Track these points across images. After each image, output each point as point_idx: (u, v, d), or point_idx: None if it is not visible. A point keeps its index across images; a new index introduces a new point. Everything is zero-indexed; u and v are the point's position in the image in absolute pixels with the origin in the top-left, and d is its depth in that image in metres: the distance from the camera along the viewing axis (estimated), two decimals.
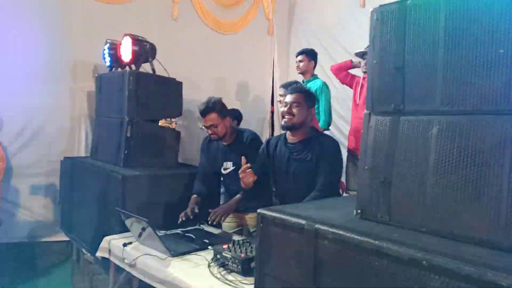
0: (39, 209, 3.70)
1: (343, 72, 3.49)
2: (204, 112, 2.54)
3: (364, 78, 3.26)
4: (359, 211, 1.36)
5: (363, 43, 3.39)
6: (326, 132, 3.32)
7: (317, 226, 1.28)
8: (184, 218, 2.38)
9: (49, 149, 3.66)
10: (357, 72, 3.51)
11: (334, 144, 2.22)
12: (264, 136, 4.92)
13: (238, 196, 2.47)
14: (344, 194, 3.06)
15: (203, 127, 2.60)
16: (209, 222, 2.30)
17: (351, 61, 3.49)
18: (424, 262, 1.01)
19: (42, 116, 3.63)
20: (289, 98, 2.20)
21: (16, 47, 3.42)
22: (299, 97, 2.18)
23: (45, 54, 3.54)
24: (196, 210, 2.43)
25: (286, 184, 2.29)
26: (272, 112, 4.98)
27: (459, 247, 1.07)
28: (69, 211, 3.36)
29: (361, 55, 3.18)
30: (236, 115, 4.01)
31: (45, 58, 3.54)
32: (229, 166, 2.64)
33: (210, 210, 2.48)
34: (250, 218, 2.64)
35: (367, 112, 1.37)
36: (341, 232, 1.21)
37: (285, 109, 2.18)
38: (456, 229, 1.13)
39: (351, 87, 3.44)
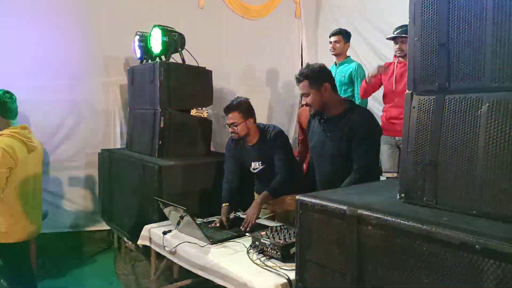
0: (80, 200, 3.85)
1: (368, 89, 3.26)
2: (227, 110, 2.54)
3: (397, 63, 3.12)
4: (402, 194, 1.32)
5: (396, 22, 3.25)
6: None
7: (359, 211, 1.25)
8: (218, 225, 2.37)
9: (86, 142, 3.78)
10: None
11: (365, 120, 2.08)
12: (294, 121, 4.88)
13: (263, 193, 2.45)
14: (381, 178, 2.99)
15: (226, 125, 2.60)
16: (242, 230, 2.26)
17: (364, 81, 3.26)
18: (477, 246, 0.97)
19: (78, 111, 3.74)
20: (300, 89, 2.16)
21: (50, 45, 3.52)
22: (304, 86, 2.10)
23: (78, 50, 3.63)
24: (225, 222, 2.38)
25: (322, 163, 2.23)
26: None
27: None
28: (108, 201, 3.48)
29: (393, 38, 3.05)
30: None
31: (78, 55, 3.63)
32: (257, 166, 2.62)
33: (240, 214, 2.49)
34: (284, 203, 2.62)
35: (408, 92, 1.31)
36: (385, 217, 1.18)
37: (303, 102, 2.17)
38: (509, 211, 1.07)
39: (381, 84, 3.27)
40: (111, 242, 3.86)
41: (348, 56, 3.54)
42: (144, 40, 3.23)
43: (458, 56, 1.18)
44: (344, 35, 3.45)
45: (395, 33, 3.00)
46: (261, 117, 4.59)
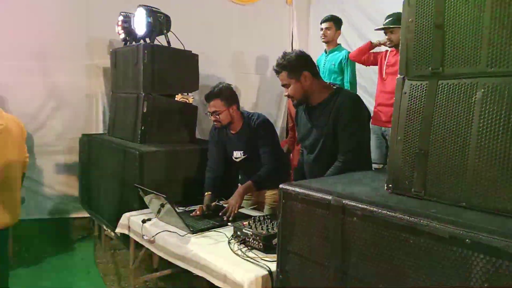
0: (61, 186, 3.73)
1: (365, 54, 3.26)
2: (208, 97, 2.41)
3: (391, 52, 3.07)
4: (390, 185, 1.26)
5: (388, 10, 3.18)
6: None
7: (344, 201, 1.19)
8: (199, 213, 2.29)
9: (67, 127, 3.65)
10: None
11: (350, 103, 1.93)
12: (282, 110, 4.80)
13: (247, 183, 2.37)
14: None
15: (207, 113, 2.49)
16: (224, 219, 2.18)
17: (370, 42, 3.26)
18: (467, 240, 0.92)
19: (59, 94, 3.60)
20: (280, 80, 2.02)
21: (31, 25, 3.36)
22: (283, 77, 1.97)
23: (60, 31, 3.48)
24: (210, 209, 2.32)
25: (309, 153, 2.09)
26: None
27: (505, 222, 0.97)
28: (88, 188, 3.37)
29: (382, 29, 2.99)
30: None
31: (60, 36, 3.48)
32: (239, 155, 2.51)
33: (223, 203, 2.42)
34: (268, 196, 2.54)
35: (400, 77, 1.24)
36: (371, 207, 1.12)
37: (284, 93, 2.04)
38: (502, 203, 1.02)
39: (376, 64, 3.24)
40: (91, 230, 3.76)
41: (339, 44, 3.47)
42: (128, 21, 3.09)
43: (454, 39, 1.11)
44: (335, 22, 3.37)
45: (384, 22, 2.94)
46: (249, 105, 4.52)
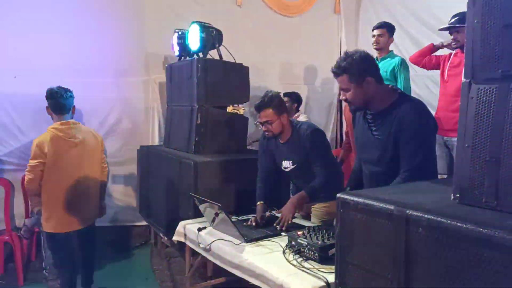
0: (120, 196, 3.94)
1: (426, 56, 3.13)
2: (259, 107, 2.37)
3: (454, 54, 2.93)
4: (457, 195, 1.19)
5: (442, 14, 3.05)
6: None
7: (408, 211, 1.14)
8: (254, 224, 2.30)
9: (127, 139, 3.87)
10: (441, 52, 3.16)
11: (416, 113, 1.74)
12: (332, 120, 4.74)
13: (300, 193, 2.34)
14: None
15: (257, 123, 2.46)
16: (278, 229, 2.18)
17: (433, 44, 3.14)
18: None
19: (119, 108, 3.83)
20: (338, 83, 1.86)
21: (94, 42, 3.63)
22: (342, 80, 1.80)
23: (120, 48, 3.72)
24: (264, 219, 2.32)
25: (368, 164, 1.95)
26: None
27: None
28: (146, 197, 3.53)
29: (447, 29, 2.85)
30: (296, 98, 3.87)
31: (120, 53, 3.73)
32: (288, 165, 2.48)
33: (274, 212, 2.41)
34: (316, 209, 2.48)
35: (466, 81, 1.18)
36: (439, 218, 1.06)
37: (342, 97, 1.90)
38: None
39: (438, 68, 3.09)
40: (148, 237, 3.92)
41: (391, 51, 3.38)
42: (182, 37, 3.24)
43: None
44: (388, 29, 3.29)
45: (450, 21, 2.81)
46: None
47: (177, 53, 3.39)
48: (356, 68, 1.76)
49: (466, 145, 1.17)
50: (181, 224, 2.43)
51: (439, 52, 3.17)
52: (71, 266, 2.71)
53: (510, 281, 0.91)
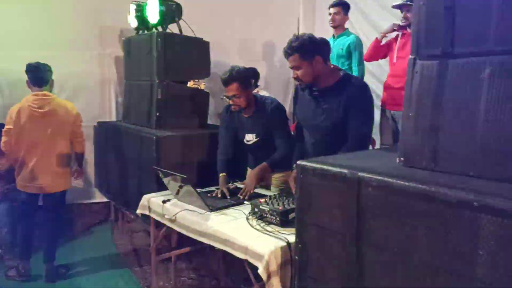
0: None
1: (377, 50, 3.27)
2: (226, 82, 2.41)
3: (402, 34, 3.11)
4: (402, 158, 1.35)
5: None
6: None
7: (360, 174, 1.28)
8: (219, 196, 2.38)
9: (82, 115, 3.75)
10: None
11: (363, 91, 2.02)
12: (289, 96, 4.87)
13: (262, 165, 2.44)
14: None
15: (224, 97, 2.50)
16: (241, 198, 2.28)
17: (376, 38, 3.28)
18: (475, 203, 1.00)
19: (72, 84, 3.70)
20: (288, 63, 2.05)
21: (44, 14, 3.44)
22: (295, 59, 1.99)
23: (72, 21, 3.56)
24: (227, 192, 2.38)
25: (314, 135, 2.19)
26: None
27: (509, 188, 1.06)
28: (105, 174, 3.49)
29: (399, 7, 3.02)
30: (253, 74, 3.93)
31: (71, 25, 3.57)
32: (251, 138, 2.56)
33: (237, 184, 2.51)
34: (275, 178, 2.62)
35: (412, 57, 1.32)
36: (385, 178, 1.21)
37: (293, 75, 2.08)
38: (507, 172, 1.10)
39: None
40: (108, 214, 3.90)
41: (346, 29, 3.52)
42: (140, 10, 3.16)
43: (463, 20, 1.18)
44: (343, 7, 3.42)
45: (401, 0, 2.98)
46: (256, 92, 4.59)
47: (134, 26, 3.31)
48: (306, 48, 1.96)
49: (410, 114, 1.31)
50: (145, 197, 2.46)
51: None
52: (28, 236, 2.88)
53: (444, 228, 1.07)
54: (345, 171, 1.32)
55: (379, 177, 1.23)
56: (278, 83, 4.76)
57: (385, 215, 1.22)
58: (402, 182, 1.17)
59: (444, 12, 1.21)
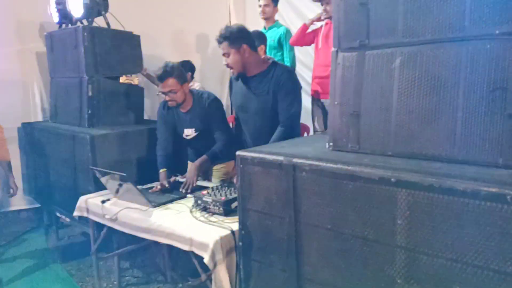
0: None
1: (304, 37, 3.40)
2: (162, 77, 2.40)
3: (325, 25, 3.28)
4: (331, 143, 1.47)
5: None
6: None
7: (294, 160, 1.37)
8: (159, 188, 2.37)
9: (3, 117, 3.46)
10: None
11: (289, 75, 2.22)
12: (225, 86, 4.91)
13: (202, 157, 2.48)
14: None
15: (160, 93, 2.48)
16: (183, 192, 2.30)
17: (304, 24, 3.42)
18: (392, 179, 1.15)
19: None
20: (221, 50, 2.24)
21: None
22: (224, 47, 2.20)
23: None
24: (167, 185, 2.39)
25: (250, 120, 2.36)
26: None
27: (421, 163, 1.21)
28: (35, 177, 3.28)
29: (319, 0, 3.17)
30: (189, 67, 3.92)
31: None
32: (190, 132, 2.58)
33: (178, 178, 2.51)
34: (216, 170, 2.67)
35: (334, 50, 1.43)
36: (316, 162, 1.32)
37: (224, 62, 2.27)
38: (418, 149, 1.26)
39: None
40: (40, 220, 3.67)
41: (276, 20, 3.62)
42: (62, 3, 2.98)
43: (376, 15, 1.31)
44: None
45: None
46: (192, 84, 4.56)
47: (56, 20, 3.11)
48: (234, 36, 2.17)
49: (336, 102, 1.44)
50: (82, 199, 2.37)
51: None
52: None
53: (368, 203, 1.21)
54: (281, 158, 1.41)
55: (311, 162, 1.34)
56: (213, 74, 4.77)
57: (319, 196, 1.33)
58: (331, 165, 1.29)
59: (359, 8, 1.33)
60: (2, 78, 3.43)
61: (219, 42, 2.21)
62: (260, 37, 3.16)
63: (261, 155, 1.47)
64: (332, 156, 1.36)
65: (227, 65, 2.25)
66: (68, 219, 2.92)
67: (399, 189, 1.14)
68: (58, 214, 3.05)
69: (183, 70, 2.51)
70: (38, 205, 3.54)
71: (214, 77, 4.79)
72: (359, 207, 1.24)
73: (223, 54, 2.24)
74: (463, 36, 1.14)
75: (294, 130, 2.20)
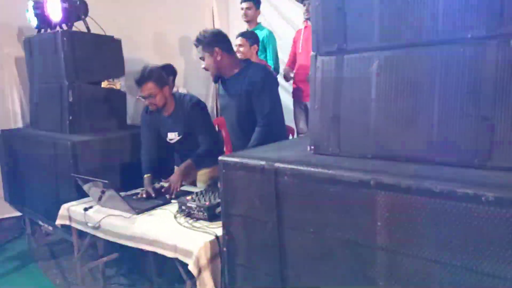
0: None
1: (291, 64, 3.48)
2: (140, 82, 2.40)
3: (305, 27, 3.30)
4: (312, 147, 1.48)
5: None
6: None
7: (276, 164, 1.38)
8: (144, 195, 2.34)
9: None
10: None
11: (261, 74, 2.24)
12: (211, 90, 4.90)
13: (186, 162, 2.45)
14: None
15: (140, 97, 2.48)
16: (167, 197, 2.28)
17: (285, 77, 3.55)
18: (371, 182, 1.16)
19: None
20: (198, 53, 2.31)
21: None
22: (199, 51, 2.27)
23: None
24: (153, 194, 2.34)
25: (230, 121, 2.40)
26: None
27: (399, 166, 1.23)
28: (16, 186, 3.22)
29: (302, 0, 3.20)
30: (170, 71, 3.89)
31: None
32: (174, 136, 2.57)
33: (162, 183, 2.49)
34: (201, 174, 2.65)
35: (313, 54, 1.44)
36: (297, 167, 1.33)
37: (202, 66, 2.32)
38: (397, 151, 1.28)
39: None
40: (22, 228, 3.60)
41: (259, 23, 3.64)
42: (40, 7, 2.92)
43: (353, 19, 1.33)
44: (255, 2, 3.52)
45: None
46: (177, 87, 4.53)
47: (35, 24, 3.05)
48: (207, 40, 2.24)
49: (316, 106, 1.45)
50: (64, 207, 2.33)
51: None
52: None
53: (349, 205, 1.22)
54: (263, 162, 1.41)
55: (293, 166, 1.34)
56: (197, 78, 4.75)
57: (301, 199, 1.34)
58: (311, 169, 1.29)
59: (336, 12, 1.35)
60: None
61: (196, 46, 2.28)
62: (252, 37, 3.21)
63: (243, 160, 1.47)
64: (313, 160, 1.37)
65: (204, 68, 2.32)
66: (51, 228, 2.87)
67: (378, 191, 1.15)
68: (40, 223, 3.00)
69: (163, 73, 2.49)
70: (20, 214, 3.47)
71: (199, 80, 4.77)
72: (340, 210, 1.24)
73: (200, 58, 2.31)
74: (437, 40, 1.16)
75: (271, 129, 2.20)
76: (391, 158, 1.29)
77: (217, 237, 1.70)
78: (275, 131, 2.22)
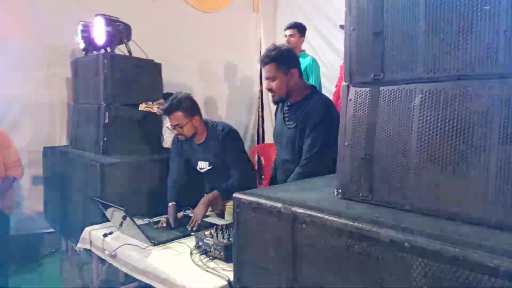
0: (26, 201, 3.60)
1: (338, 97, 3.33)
2: (168, 111, 2.31)
3: None
4: (339, 190, 1.27)
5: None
6: None
7: (294, 209, 1.19)
8: (164, 225, 2.25)
9: (30, 140, 3.54)
10: None
11: (319, 106, 1.92)
12: (253, 116, 4.82)
13: (213, 192, 2.33)
14: None
15: (168, 126, 2.41)
16: (188, 229, 2.15)
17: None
18: (406, 243, 0.93)
19: (19, 106, 3.49)
20: (264, 73, 2.02)
21: None
22: (270, 69, 1.94)
23: (18, 42, 3.37)
24: (173, 223, 2.25)
25: (281, 152, 2.12)
26: (261, 92, 4.84)
27: (444, 225, 0.99)
28: (53, 203, 3.27)
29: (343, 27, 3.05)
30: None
31: (15, 45, 3.37)
32: (204, 166, 2.47)
33: (188, 212, 2.37)
34: (229, 206, 2.49)
35: (345, 84, 1.26)
36: (318, 214, 1.12)
37: (267, 87, 2.02)
38: (441, 206, 1.04)
39: None
40: (59, 244, 3.64)
41: (303, 50, 3.52)
42: (87, 30, 3.03)
43: (392, 46, 1.14)
44: (298, 29, 3.43)
45: None
46: (220, 113, 4.51)
47: (82, 46, 3.16)
48: (284, 59, 1.93)
49: (346, 143, 1.25)
50: (86, 230, 2.29)
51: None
52: None
53: (377, 267, 0.99)
54: (279, 205, 1.23)
55: (312, 212, 1.15)
56: (240, 104, 4.71)
57: (320, 254, 1.13)
58: (334, 218, 1.09)
59: (373, 38, 1.16)
60: (30, 102, 3.51)
61: (265, 63, 1.95)
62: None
63: (258, 200, 1.30)
64: (337, 207, 1.16)
65: (270, 89, 1.99)
66: (77, 249, 2.85)
67: (414, 257, 0.92)
68: (71, 242, 3.00)
69: (194, 102, 2.40)
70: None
71: (241, 106, 4.72)
72: (366, 272, 1.02)
73: (267, 78, 1.98)
74: (496, 72, 0.93)
75: (314, 173, 1.72)
76: (434, 213, 1.05)
77: (229, 282, 1.52)
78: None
